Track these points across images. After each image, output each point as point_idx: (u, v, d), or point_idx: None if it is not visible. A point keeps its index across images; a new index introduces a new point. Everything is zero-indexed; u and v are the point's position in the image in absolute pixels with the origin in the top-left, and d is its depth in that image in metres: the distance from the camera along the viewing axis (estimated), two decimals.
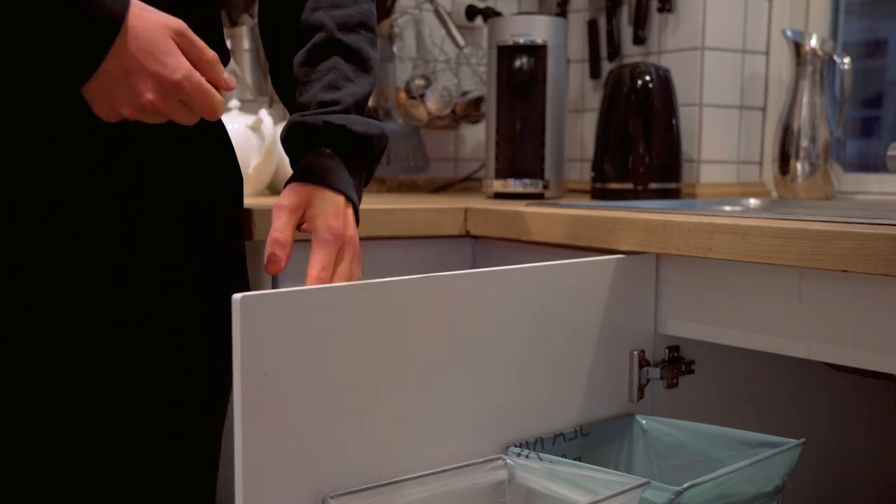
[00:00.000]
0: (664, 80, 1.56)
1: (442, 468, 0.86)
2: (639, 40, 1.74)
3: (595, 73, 1.86)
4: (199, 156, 0.95)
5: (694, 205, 1.48)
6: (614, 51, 1.81)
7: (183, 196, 0.93)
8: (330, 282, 0.88)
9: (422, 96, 1.78)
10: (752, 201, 1.55)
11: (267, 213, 1.17)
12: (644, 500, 0.81)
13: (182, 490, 0.96)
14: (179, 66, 0.76)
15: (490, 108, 1.63)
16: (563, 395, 1.00)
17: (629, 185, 1.55)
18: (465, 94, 1.84)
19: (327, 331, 0.80)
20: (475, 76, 1.85)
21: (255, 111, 1.57)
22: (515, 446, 0.92)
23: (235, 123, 1.51)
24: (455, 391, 0.88)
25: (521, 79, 1.58)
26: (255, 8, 1.67)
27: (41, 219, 0.84)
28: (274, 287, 1.21)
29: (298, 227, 0.90)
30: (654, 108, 1.55)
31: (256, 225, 1.16)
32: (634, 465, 1.04)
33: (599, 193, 1.59)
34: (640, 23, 1.74)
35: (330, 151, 0.92)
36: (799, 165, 1.59)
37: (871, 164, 1.73)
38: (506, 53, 1.59)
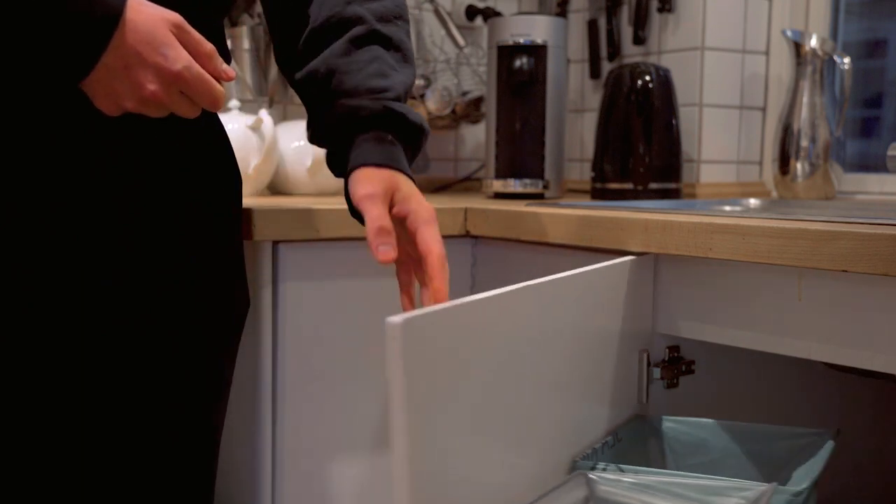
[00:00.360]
0: (664, 80, 1.56)
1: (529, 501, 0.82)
2: (639, 40, 1.74)
3: (595, 73, 1.86)
4: (197, 156, 0.95)
5: (694, 205, 1.48)
6: (614, 51, 1.81)
7: (182, 196, 0.93)
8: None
9: (422, 96, 1.78)
10: (752, 201, 1.55)
11: (267, 213, 1.17)
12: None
13: (181, 491, 0.96)
14: (179, 57, 0.76)
15: (490, 108, 1.63)
16: (594, 403, 0.99)
17: (629, 185, 1.55)
18: (465, 94, 1.84)
19: (475, 348, 0.76)
20: (475, 76, 1.85)
21: (255, 111, 1.57)
22: (581, 459, 0.90)
23: (235, 123, 1.51)
24: (526, 407, 0.85)
25: (521, 79, 1.58)
26: (255, 8, 1.67)
27: (40, 219, 0.84)
28: (274, 287, 1.21)
29: (389, 211, 0.87)
30: (654, 108, 1.55)
31: (256, 225, 1.16)
32: (653, 466, 1.04)
33: (599, 193, 1.59)
34: (640, 23, 1.74)
35: (392, 137, 0.91)
36: (799, 165, 1.59)
37: (871, 164, 1.73)
38: (506, 53, 1.59)
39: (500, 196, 1.60)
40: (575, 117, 1.91)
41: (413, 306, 0.90)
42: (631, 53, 1.79)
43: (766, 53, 1.72)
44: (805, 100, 1.58)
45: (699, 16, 1.65)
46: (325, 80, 0.95)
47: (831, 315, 0.90)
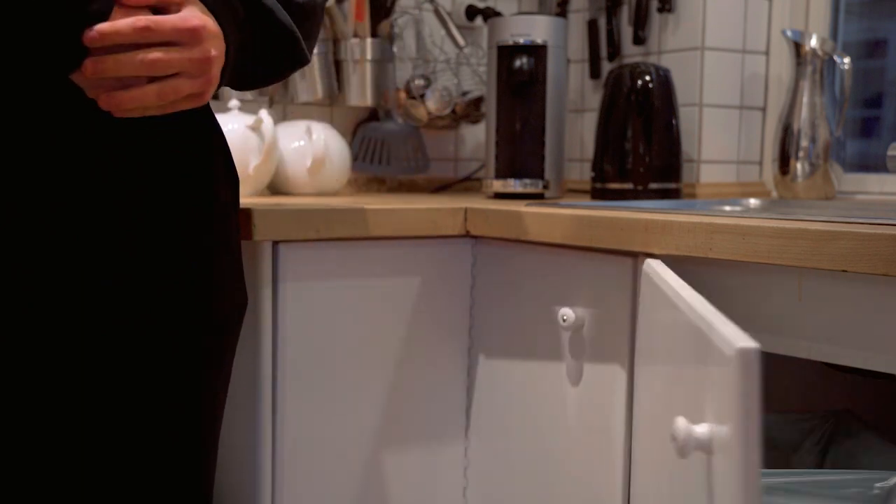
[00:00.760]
0: (664, 80, 1.56)
1: None
2: (639, 40, 1.74)
3: (595, 73, 1.86)
4: (196, 158, 0.95)
5: (694, 205, 1.47)
6: (614, 51, 1.81)
7: (182, 198, 0.93)
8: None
9: (422, 96, 1.78)
10: (752, 201, 1.55)
11: (267, 213, 1.17)
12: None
13: (180, 489, 0.96)
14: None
15: (490, 108, 1.63)
16: None
17: (629, 186, 1.55)
18: (465, 94, 1.84)
19: None
20: (475, 76, 1.85)
21: (254, 111, 1.57)
22: None
23: (235, 123, 1.51)
24: None
25: (521, 79, 1.58)
26: None
27: (40, 219, 0.84)
28: (274, 287, 1.21)
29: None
30: (654, 108, 1.55)
31: (256, 225, 1.16)
32: None
33: (599, 193, 1.59)
34: (640, 23, 1.74)
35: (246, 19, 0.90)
36: (799, 165, 1.59)
37: (871, 164, 1.73)
38: (506, 53, 1.59)
39: (500, 196, 1.60)
40: (575, 117, 1.91)
41: None
42: (631, 53, 1.79)
43: (766, 53, 1.72)
44: (805, 100, 1.58)
45: (699, 16, 1.65)
46: None
47: (831, 315, 0.90)
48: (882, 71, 1.78)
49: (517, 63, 1.58)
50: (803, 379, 1.36)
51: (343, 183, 1.69)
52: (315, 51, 1.71)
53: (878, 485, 0.75)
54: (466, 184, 1.96)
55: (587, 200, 1.54)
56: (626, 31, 1.79)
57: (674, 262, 1.05)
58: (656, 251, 1.03)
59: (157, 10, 0.81)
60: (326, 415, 1.25)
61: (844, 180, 1.65)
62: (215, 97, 1.67)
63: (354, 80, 1.75)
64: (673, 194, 1.56)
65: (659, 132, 1.55)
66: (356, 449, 1.28)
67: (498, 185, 1.61)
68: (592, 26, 1.85)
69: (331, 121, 1.80)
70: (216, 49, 0.83)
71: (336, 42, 1.76)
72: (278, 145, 1.58)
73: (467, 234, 1.31)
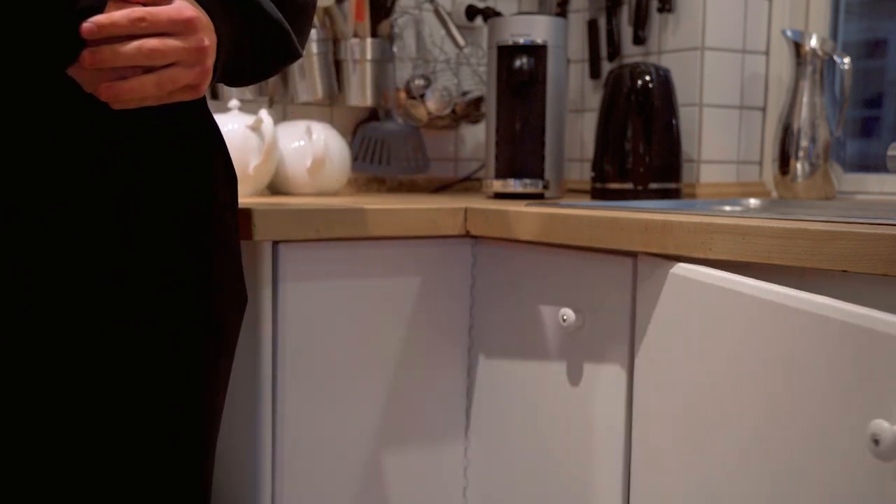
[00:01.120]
0: (664, 80, 1.56)
1: None
2: (639, 40, 1.74)
3: (595, 73, 1.86)
4: (195, 156, 0.95)
5: (694, 205, 1.47)
6: (614, 51, 1.81)
7: (181, 197, 0.93)
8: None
9: (422, 96, 1.78)
10: (752, 201, 1.55)
11: (267, 213, 1.17)
12: None
13: (179, 489, 0.96)
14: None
15: (490, 108, 1.63)
16: None
17: (629, 186, 1.55)
18: (465, 94, 1.84)
19: None
20: (475, 76, 1.85)
21: (254, 111, 1.57)
22: None
23: (235, 123, 1.51)
24: None
25: (521, 79, 1.58)
26: None
27: (40, 219, 0.84)
28: (274, 287, 1.21)
29: None
30: (654, 108, 1.55)
31: (256, 225, 1.16)
32: None
33: (599, 194, 1.59)
34: (640, 23, 1.74)
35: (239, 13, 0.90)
36: (799, 165, 1.59)
37: (871, 164, 1.73)
38: (506, 53, 1.59)
39: (500, 196, 1.60)
40: (575, 117, 1.91)
41: None
42: (631, 53, 1.79)
43: (766, 53, 1.72)
44: (805, 100, 1.58)
45: (699, 16, 1.65)
46: None
47: None
48: (882, 71, 1.78)
49: (517, 63, 1.58)
50: None
51: (343, 183, 1.69)
52: (315, 51, 1.71)
53: None
54: (466, 184, 1.97)
55: (587, 200, 1.54)
56: (626, 31, 1.79)
57: (674, 262, 1.05)
58: (656, 251, 1.03)
59: (147, 4, 0.82)
60: (326, 415, 1.25)
61: (844, 180, 1.65)
62: (215, 97, 1.67)
63: (354, 80, 1.75)
64: (673, 194, 1.56)
65: (659, 132, 1.55)
66: (356, 449, 1.28)
67: (498, 185, 1.61)
68: (592, 26, 1.85)
69: (331, 121, 1.80)
70: (209, 39, 0.84)
71: (336, 42, 1.76)
72: (278, 145, 1.58)
73: (467, 234, 1.32)
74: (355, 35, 1.74)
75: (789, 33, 1.59)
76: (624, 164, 1.55)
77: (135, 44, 0.79)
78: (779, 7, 1.71)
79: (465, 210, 1.30)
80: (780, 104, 1.67)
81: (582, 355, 1.17)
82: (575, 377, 1.18)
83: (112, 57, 0.79)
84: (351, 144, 1.79)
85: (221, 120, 1.46)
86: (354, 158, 1.78)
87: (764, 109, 1.73)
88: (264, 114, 1.52)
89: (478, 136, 1.98)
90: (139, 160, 0.89)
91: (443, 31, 1.85)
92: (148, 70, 0.81)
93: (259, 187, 1.56)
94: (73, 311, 0.86)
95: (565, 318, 1.15)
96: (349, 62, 1.75)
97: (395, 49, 1.81)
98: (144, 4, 0.81)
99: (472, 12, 1.91)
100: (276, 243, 1.21)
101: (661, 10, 1.70)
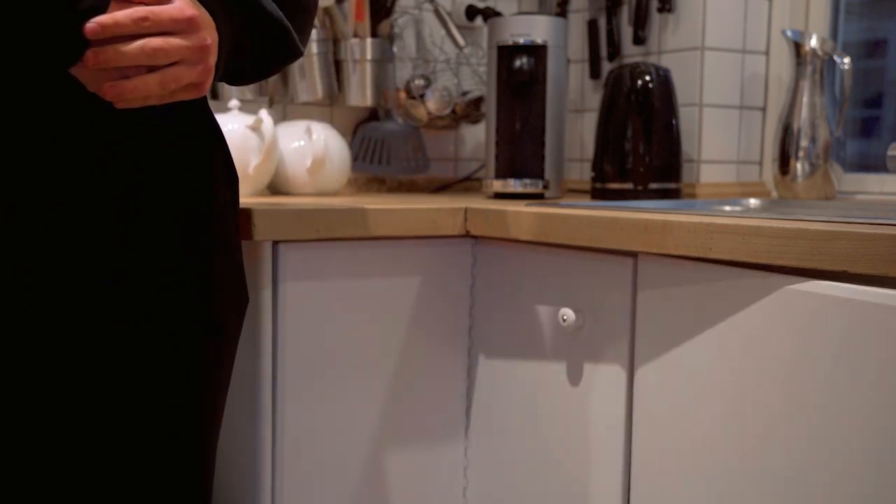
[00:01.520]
0: (664, 80, 1.56)
1: None
2: (639, 40, 1.74)
3: (595, 73, 1.86)
4: (195, 159, 0.95)
5: (694, 205, 1.48)
6: (614, 51, 1.81)
7: (180, 197, 0.93)
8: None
9: (422, 96, 1.78)
10: (752, 201, 1.55)
11: (267, 213, 1.17)
12: None
13: (179, 489, 0.96)
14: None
15: (490, 108, 1.63)
16: None
17: (629, 186, 1.55)
18: (465, 94, 1.84)
19: None
20: (475, 76, 1.85)
21: (254, 111, 1.57)
22: None
23: (235, 123, 1.51)
24: None
25: (521, 79, 1.58)
26: None
27: (40, 219, 0.84)
28: (274, 287, 1.21)
29: None
30: (654, 108, 1.55)
31: (256, 225, 1.16)
32: None
33: (599, 194, 1.59)
34: (640, 23, 1.74)
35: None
36: (799, 165, 1.59)
37: (871, 164, 1.73)
38: (506, 53, 1.59)
39: (500, 196, 1.60)
40: (575, 117, 1.91)
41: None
42: (631, 53, 1.79)
43: (766, 53, 1.72)
44: (805, 100, 1.58)
45: (699, 16, 1.65)
46: None
47: None
48: (882, 71, 1.78)
49: (517, 63, 1.58)
50: None
51: (343, 183, 1.69)
52: (315, 51, 1.71)
53: None
54: (466, 184, 1.97)
55: (587, 200, 1.54)
56: (626, 31, 1.79)
57: (674, 262, 1.05)
58: (656, 251, 1.03)
59: (149, 4, 0.82)
60: (326, 415, 1.25)
61: (844, 180, 1.65)
62: (215, 97, 1.67)
63: (354, 80, 1.75)
64: (673, 194, 1.56)
65: (659, 132, 1.55)
66: (356, 449, 1.28)
67: (498, 185, 1.61)
68: (592, 26, 1.85)
69: (331, 121, 1.80)
70: (211, 37, 0.84)
71: (336, 42, 1.76)
72: (278, 145, 1.58)
73: (467, 234, 1.32)
74: (355, 35, 1.74)
75: (789, 33, 1.59)
76: (624, 164, 1.55)
77: (138, 43, 0.80)
78: (779, 7, 1.71)
79: (465, 210, 1.30)
80: (780, 104, 1.67)
81: (582, 355, 1.17)
82: (575, 377, 1.18)
83: (116, 57, 0.79)
84: (351, 144, 1.79)
85: (221, 120, 1.46)
86: (354, 158, 1.78)
87: (764, 109, 1.73)
88: (264, 114, 1.52)
89: (478, 136, 1.99)
90: (140, 160, 0.89)
91: (443, 31, 1.85)
92: (151, 69, 0.81)
93: (259, 187, 1.56)
94: (73, 312, 0.86)
95: (565, 318, 1.15)
96: (349, 62, 1.75)
97: (395, 49, 1.81)
98: (147, 4, 0.81)
99: (472, 12, 1.91)
100: (276, 243, 1.21)
101: (661, 10, 1.70)
